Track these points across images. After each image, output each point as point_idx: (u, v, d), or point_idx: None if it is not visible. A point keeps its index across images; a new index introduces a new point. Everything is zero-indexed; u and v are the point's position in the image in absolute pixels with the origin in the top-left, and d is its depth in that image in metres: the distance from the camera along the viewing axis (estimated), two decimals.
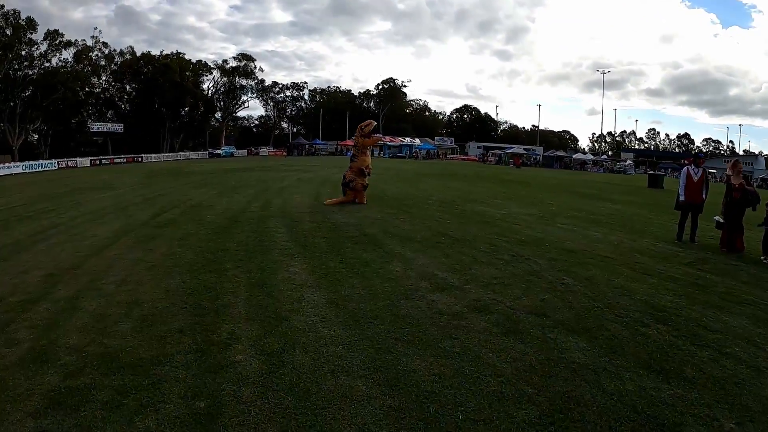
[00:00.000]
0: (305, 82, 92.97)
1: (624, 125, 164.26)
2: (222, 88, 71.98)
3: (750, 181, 7.54)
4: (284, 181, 17.33)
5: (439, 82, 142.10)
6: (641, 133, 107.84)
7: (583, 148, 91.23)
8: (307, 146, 63.72)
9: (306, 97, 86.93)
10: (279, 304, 4.41)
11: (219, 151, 55.59)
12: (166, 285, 4.90)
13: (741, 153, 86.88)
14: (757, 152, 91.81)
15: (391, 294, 4.67)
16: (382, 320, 4.06)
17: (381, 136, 13.52)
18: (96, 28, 72.13)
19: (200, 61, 70.04)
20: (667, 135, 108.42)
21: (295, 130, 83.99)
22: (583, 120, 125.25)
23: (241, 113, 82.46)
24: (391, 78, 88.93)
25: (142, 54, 64.13)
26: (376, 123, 11.45)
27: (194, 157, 52.48)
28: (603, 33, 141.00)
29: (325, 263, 5.73)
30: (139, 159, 47.44)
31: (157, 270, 5.47)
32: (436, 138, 77.57)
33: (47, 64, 52.06)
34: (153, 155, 50.16)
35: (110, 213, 10.15)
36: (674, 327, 4.17)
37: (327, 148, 64.79)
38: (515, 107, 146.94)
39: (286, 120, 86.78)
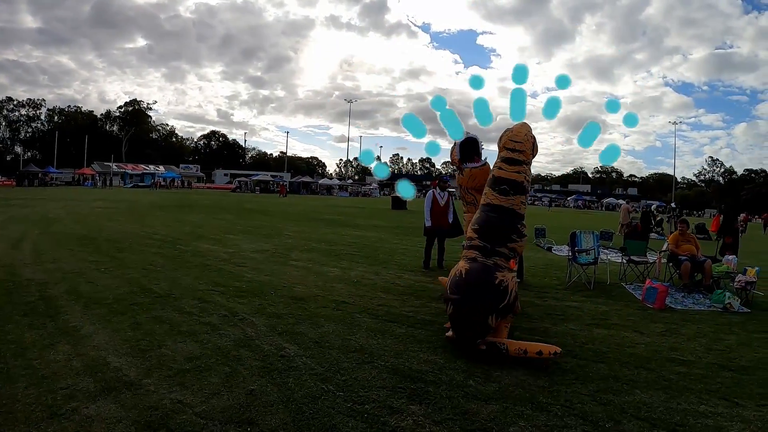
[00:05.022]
0: (43, 100, 74.61)
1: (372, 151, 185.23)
2: None
3: None
4: None
5: (190, 106, 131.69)
6: (386, 158, 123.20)
7: (331, 173, 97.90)
8: (39, 175, 51.63)
9: (43, 117, 72.79)
10: None
11: None
12: None
13: None
14: None
15: (33, 409, 2.64)
16: None
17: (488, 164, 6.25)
18: None
19: None
20: (410, 159, 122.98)
21: (29, 155, 67.62)
22: (332, 147, 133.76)
23: None
24: (135, 99, 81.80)
25: None
26: (477, 135, 6.08)
27: None
28: (357, 66, 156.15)
29: None
30: None
31: None
32: (181, 165, 71.16)
33: None
34: None
35: None
36: (435, 406, 2.83)
37: (63, 177, 54.98)
38: (267, 134, 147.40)
39: (19, 144, 70.42)
